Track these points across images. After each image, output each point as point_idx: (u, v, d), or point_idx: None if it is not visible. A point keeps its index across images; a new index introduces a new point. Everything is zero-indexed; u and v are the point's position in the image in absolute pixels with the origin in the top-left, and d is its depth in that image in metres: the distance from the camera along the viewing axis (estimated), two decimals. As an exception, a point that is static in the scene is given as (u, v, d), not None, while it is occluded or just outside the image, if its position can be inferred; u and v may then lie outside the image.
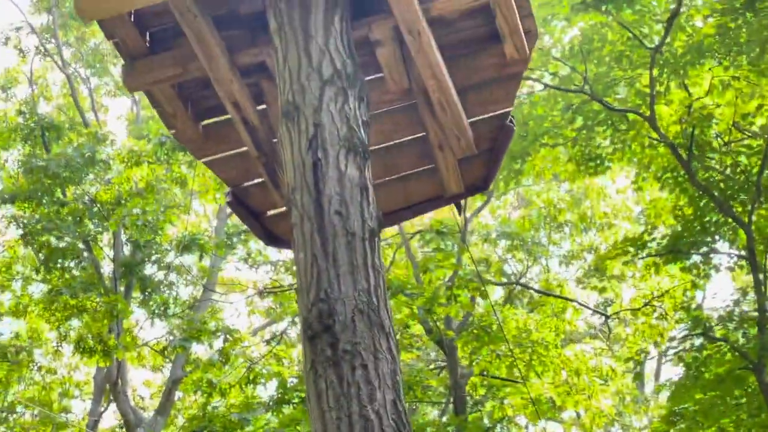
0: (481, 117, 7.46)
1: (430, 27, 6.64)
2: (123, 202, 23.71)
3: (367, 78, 7.11)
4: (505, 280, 26.47)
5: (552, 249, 27.79)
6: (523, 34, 7.05)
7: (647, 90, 15.76)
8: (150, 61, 6.93)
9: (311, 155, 5.86)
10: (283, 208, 7.65)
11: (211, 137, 7.52)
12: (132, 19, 6.82)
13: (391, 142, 7.65)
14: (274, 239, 7.86)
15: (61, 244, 24.58)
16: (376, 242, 5.81)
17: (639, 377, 19.62)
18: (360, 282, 5.53)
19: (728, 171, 16.19)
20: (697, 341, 16.80)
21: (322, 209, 5.71)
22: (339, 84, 6.09)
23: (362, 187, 5.86)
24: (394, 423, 5.22)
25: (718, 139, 16.94)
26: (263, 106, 7.25)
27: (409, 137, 7.62)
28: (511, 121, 7.48)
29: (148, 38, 6.98)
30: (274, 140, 7.12)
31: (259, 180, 7.62)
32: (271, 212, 7.83)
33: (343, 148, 5.89)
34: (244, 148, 7.37)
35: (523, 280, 27.53)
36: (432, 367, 25.17)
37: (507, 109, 7.46)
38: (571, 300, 21.83)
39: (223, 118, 7.39)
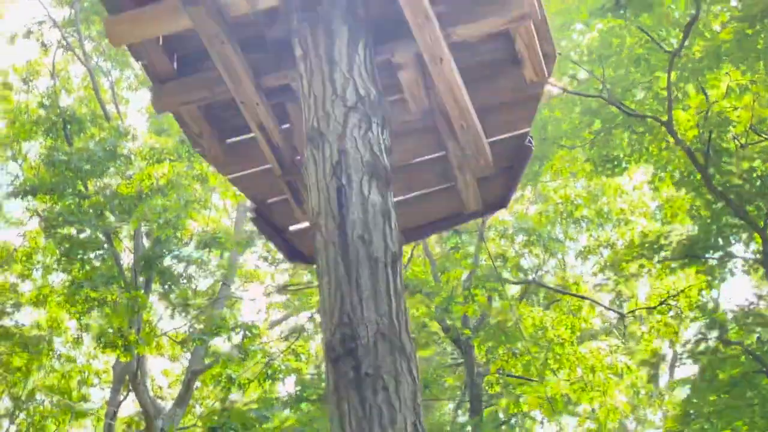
0: (500, 137, 7.62)
1: (451, 50, 6.78)
2: (144, 196, 23.92)
3: (390, 98, 7.29)
4: (521, 275, 26.59)
5: (568, 244, 27.88)
6: (542, 57, 7.20)
7: (665, 93, 15.84)
8: (178, 83, 7.09)
9: (335, 181, 6.01)
10: (306, 224, 7.82)
11: (235, 155, 7.68)
12: (160, 43, 6.98)
13: (413, 161, 7.81)
14: (296, 255, 8.03)
15: (82, 235, 24.81)
16: (398, 267, 5.95)
17: (655, 379, 19.70)
18: (382, 306, 5.68)
19: (744, 176, 16.26)
20: (712, 339, 16.94)
21: (345, 234, 5.86)
22: (362, 110, 6.23)
23: (385, 213, 6.00)
24: (414, 445, 5.40)
25: (735, 140, 17.00)
26: (287, 125, 7.42)
27: (430, 156, 7.78)
28: (529, 142, 7.64)
29: (175, 61, 7.15)
30: (297, 158, 7.27)
31: (282, 197, 7.77)
32: (293, 228, 7.99)
33: (367, 174, 6.03)
34: (268, 166, 7.52)
35: (539, 274, 27.66)
36: (449, 361, 25.33)
37: (526, 130, 7.62)
38: (587, 298, 21.94)
39: (247, 136, 7.54)
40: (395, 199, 7.62)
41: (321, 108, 6.27)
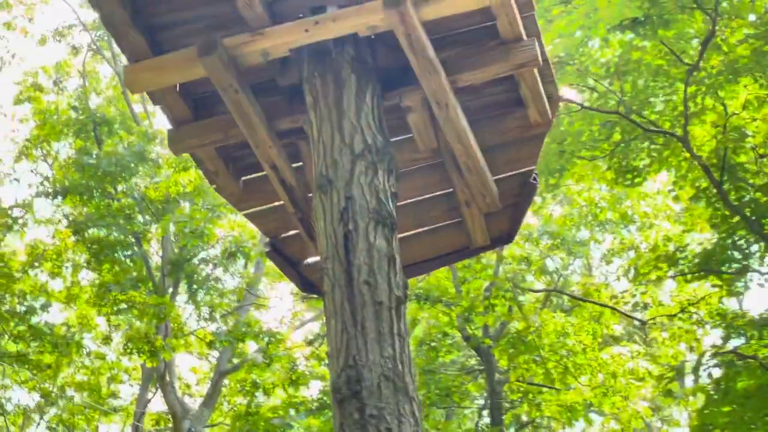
0: (506, 175, 7.84)
1: (457, 93, 7.01)
2: (171, 200, 24.24)
3: (399, 138, 7.55)
4: (546, 277, 26.77)
5: (593, 246, 28.03)
6: (546, 100, 7.42)
7: (683, 108, 15.98)
8: (194, 126, 7.36)
9: (342, 227, 6.27)
10: (319, 257, 8.06)
11: (250, 191, 7.94)
12: (177, 88, 7.24)
13: (421, 197, 8.05)
14: (310, 286, 8.27)
15: (111, 236, 25.11)
16: (402, 310, 6.20)
17: (680, 379, 19.82)
18: (386, 349, 5.94)
19: (760, 190, 16.35)
20: (729, 350, 17.07)
21: (352, 279, 6.11)
22: (369, 158, 6.48)
23: (390, 258, 6.24)
24: (416, 484, 5.68)
25: (754, 150, 17.11)
26: (299, 163, 7.67)
27: (438, 193, 8.02)
28: (534, 179, 7.86)
29: (192, 103, 7.41)
30: (309, 195, 7.51)
31: (296, 231, 8.01)
32: (307, 261, 8.24)
33: (372, 220, 6.28)
34: (281, 202, 7.76)
35: (565, 274, 27.84)
36: (473, 363, 25.52)
37: (530, 168, 7.84)
38: (608, 306, 22.10)
39: (262, 173, 7.78)
40: (405, 234, 7.93)
41: (329, 155, 6.53)
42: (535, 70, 7.16)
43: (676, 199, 20.03)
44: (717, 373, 17.53)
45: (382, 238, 6.28)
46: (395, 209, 6.50)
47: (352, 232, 6.24)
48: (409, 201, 7.93)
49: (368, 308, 6.03)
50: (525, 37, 6.89)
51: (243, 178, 7.94)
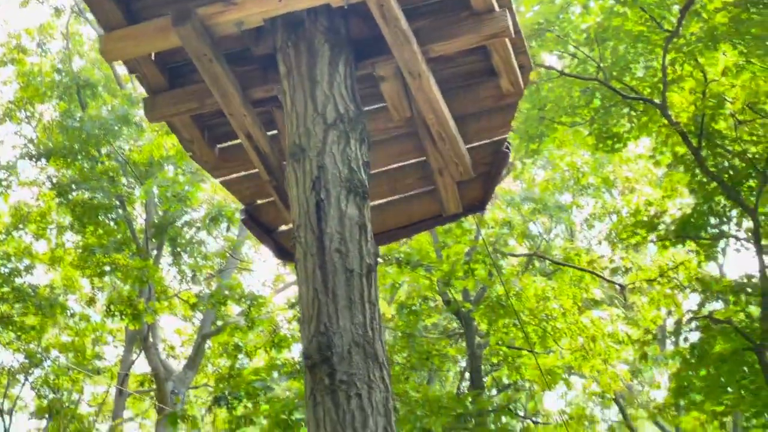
0: (478, 143, 7.93)
1: (429, 63, 7.08)
2: (155, 163, 24.30)
3: (373, 107, 7.62)
4: (529, 241, 26.91)
5: (575, 211, 28.15)
6: (518, 69, 7.50)
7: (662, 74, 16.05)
8: (169, 95, 7.42)
9: (314, 195, 6.34)
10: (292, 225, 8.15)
11: (225, 159, 8.02)
12: (152, 57, 7.30)
13: (395, 165, 8.13)
14: (285, 254, 8.36)
15: (95, 198, 25.16)
16: (373, 278, 6.29)
17: (647, 358, 19.98)
18: (357, 316, 6.04)
19: (736, 159, 16.47)
20: (706, 313, 17.24)
21: (323, 247, 6.20)
22: (342, 127, 6.56)
23: (361, 226, 6.33)
24: (385, 448, 5.80)
25: (733, 116, 17.19)
26: (275, 131, 7.74)
27: (411, 161, 8.10)
28: (507, 147, 7.94)
29: (167, 72, 7.46)
30: (284, 162, 7.58)
31: (271, 198, 8.10)
32: (282, 228, 8.33)
33: (344, 189, 6.37)
34: (257, 170, 7.84)
35: (549, 238, 27.98)
36: (455, 326, 25.69)
37: (503, 136, 7.92)
38: (588, 270, 22.26)
39: (237, 141, 7.85)
40: (379, 202, 8.02)
41: (302, 125, 6.59)
42: (507, 41, 7.22)
43: (657, 164, 20.12)
44: (695, 337, 17.70)
45: (354, 206, 6.36)
46: (367, 178, 6.57)
47: (324, 201, 6.32)
48: (383, 169, 8.02)
49: (339, 276, 6.12)
50: (497, 8, 6.94)
51: (218, 145, 8.01)
